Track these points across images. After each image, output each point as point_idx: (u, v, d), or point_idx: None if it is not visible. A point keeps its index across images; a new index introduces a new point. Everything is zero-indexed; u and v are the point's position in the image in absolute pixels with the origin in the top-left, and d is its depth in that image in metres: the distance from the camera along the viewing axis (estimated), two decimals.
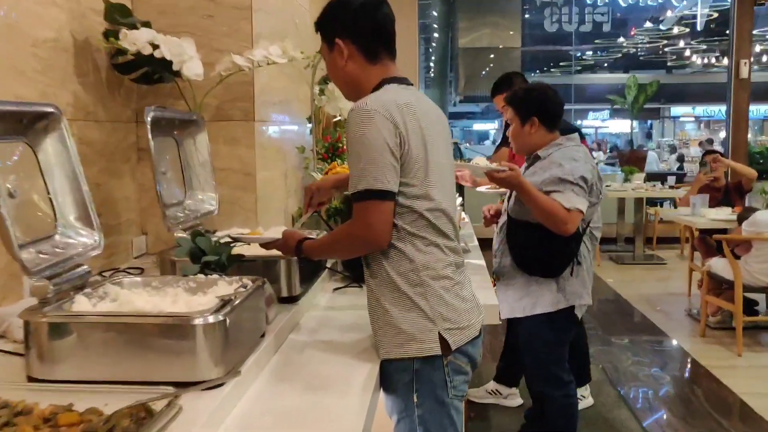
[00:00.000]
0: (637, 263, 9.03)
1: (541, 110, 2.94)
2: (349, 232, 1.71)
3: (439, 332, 1.68)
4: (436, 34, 15.49)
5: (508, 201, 3.03)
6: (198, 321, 1.36)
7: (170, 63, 2.40)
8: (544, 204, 2.74)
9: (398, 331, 1.68)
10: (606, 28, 17.43)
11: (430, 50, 15.98)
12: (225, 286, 1.65)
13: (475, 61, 12.19)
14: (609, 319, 6.29)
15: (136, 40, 2.30)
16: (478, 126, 24.22)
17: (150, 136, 2.04)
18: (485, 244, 3.40)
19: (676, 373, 4.97)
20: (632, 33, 19.12)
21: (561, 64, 20.33)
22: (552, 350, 3.02)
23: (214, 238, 1.94)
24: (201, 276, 1.74)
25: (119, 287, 1.67)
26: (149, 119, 2.05)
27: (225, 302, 1.46)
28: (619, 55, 20.58)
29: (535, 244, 2.89)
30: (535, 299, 2.93)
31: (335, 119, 3.96)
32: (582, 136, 3.42)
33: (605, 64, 21.44)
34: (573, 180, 2.75)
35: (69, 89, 2.34)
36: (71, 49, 2.35)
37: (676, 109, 25.28)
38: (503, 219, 3.06)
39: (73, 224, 1.72)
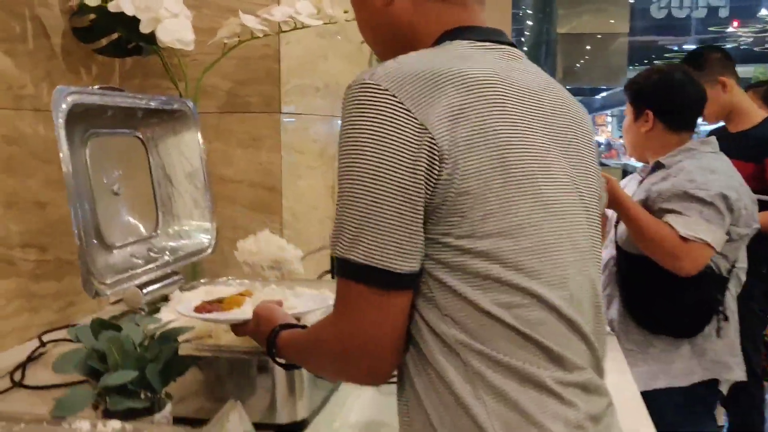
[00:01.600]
0: None
1: (660, 102, 2.04)
2: (322, 338, 0.91)
3: None
4: (529, 22, 14.35)
5: (616, 227, 2.09)
6: None
7: (137, 22, 1.55)
8: (647, 227, 1.88)
9: None
10: (723, 13, 15.73)
11: (523, 39, 14.88)
12: None
13: (574, 48, 11.04)
14: None
15: None
16: None
17: (61, 134, 1.18)
18: None
19: None
20: (735, 25, 17.29)
21: (666, 55, 18.69)
22: None
23: (153, 324, 1.06)
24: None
25: None
26: (62, 108, 1.20)
27: None
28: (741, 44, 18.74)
29: (657, 290, 1.94)
30: (659, 367, 1.93)
31: None
32: None
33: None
34: (706, 198, 1.85)
35: None
36: None
37: None
38: (609, 252, 2.09)
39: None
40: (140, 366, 0.94)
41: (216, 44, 1.79)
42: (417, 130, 0.78)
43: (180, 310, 1.12)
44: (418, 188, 0.79)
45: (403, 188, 0.78)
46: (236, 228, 2.01)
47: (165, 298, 1.47)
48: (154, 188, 1.57)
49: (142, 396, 0.97)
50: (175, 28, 1.58)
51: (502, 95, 0.84)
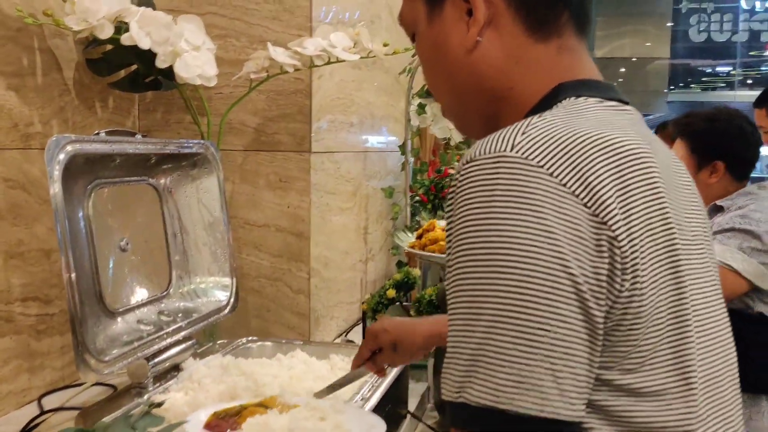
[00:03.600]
0: None
1: (732, 151, 1.92)
2: None
3: None
4: None
5: None
6: None
7: (154, 55, 1.39)
8: None
9: None
10: (765, 37, 15.33)
11: None
12: None
13: (612, 72, 10.81)
14: None
15: (86, 13, 1.29)
16: None
17: (56, 188, 1.01)
18: None
19: None
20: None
21: (703, 79, 18.27)
22: None
23: (153, 427, 0.88)
24: None
25: None
26: (59, 159, 1.03)
27: None
28: None
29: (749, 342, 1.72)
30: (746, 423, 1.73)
31: (444, 142, 2.88)
32: None
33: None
34: (753, 230, 1.76)
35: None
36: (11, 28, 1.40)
37: None
38: None
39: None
40: None
41: (243, 78, 1.63)
42: (591, 222, 0.57)
43: (188, 430, 0.92)
44: (600, 303, 0.57)
45: (586, 303, 0.56)
46: (260, 277, 1.84)
47: (176, 368, 1.30)
48: (167, 242, 1.40)
49: None
50: (196, 63, 1.42)
51: (657, 175, 0.63)
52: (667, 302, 0.61)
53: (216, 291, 1.48)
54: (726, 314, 0.74)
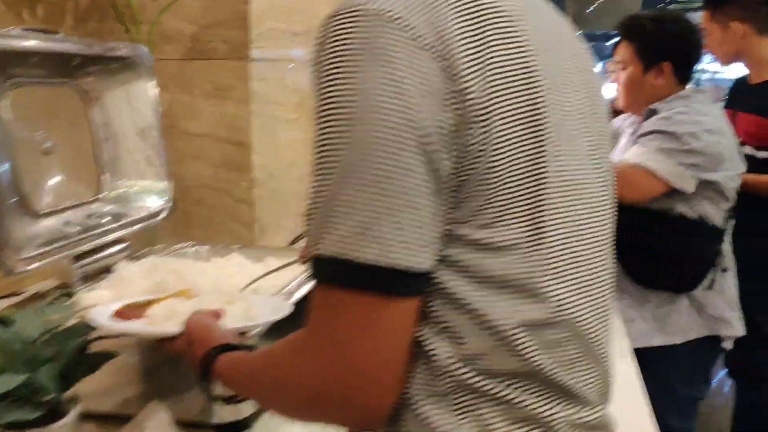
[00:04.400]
0: None
1: (678, 52, 1.90)
2: (290, 368, 0.65)
3: None
4: None
5: None
6: None
7: None
8: None
9: None
10: None
11: None
12: None
13: None
14: None
15: None
16: None
17: None
18: None
19: None
20: None
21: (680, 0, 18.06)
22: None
23: (59, 314, 0.89)
24: None
25: None
26: None
27: None
28: None
29: (651, 243, 1.81)
30: (655, 324, 1.78)
31: None
32: None
33: None
34: (674, 131, 1.73)
35: None
36: None
37: None
38: None
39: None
40: (33, 368, 0.78)
41: None
42: (443, 76, 0.57)
43: (93, 317, 0.92)
44: (447, 155, 0.58)
45: (432, 155, 0.57)
46: (203, 187, 1.84)
47: (107, 270, 1.31)
48: (96, 146, 1.39)
49: (42, 400, 0.81)
50: None
51: (526, 36, 0.63)
52: (524, 161, 0.61)
53: (151, 196, 1.48)
54: (607, 199, 0.74)
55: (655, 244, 1.78)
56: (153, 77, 1.50)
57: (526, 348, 0.62)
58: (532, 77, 0.61)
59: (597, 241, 0.70)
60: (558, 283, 0.64)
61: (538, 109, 0.61)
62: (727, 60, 2.45)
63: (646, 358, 1.79)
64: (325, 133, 0.58)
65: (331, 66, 0.58)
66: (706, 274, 1.80)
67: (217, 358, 0.77)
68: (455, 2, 0.59)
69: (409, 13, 0.57)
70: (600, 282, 0.70)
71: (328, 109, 0.58)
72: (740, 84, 2.56)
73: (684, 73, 1.89)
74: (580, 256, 0.66)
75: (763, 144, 2.32)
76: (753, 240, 2.36)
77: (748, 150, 2.36)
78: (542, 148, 0.62)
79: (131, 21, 1.65)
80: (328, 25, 0.60)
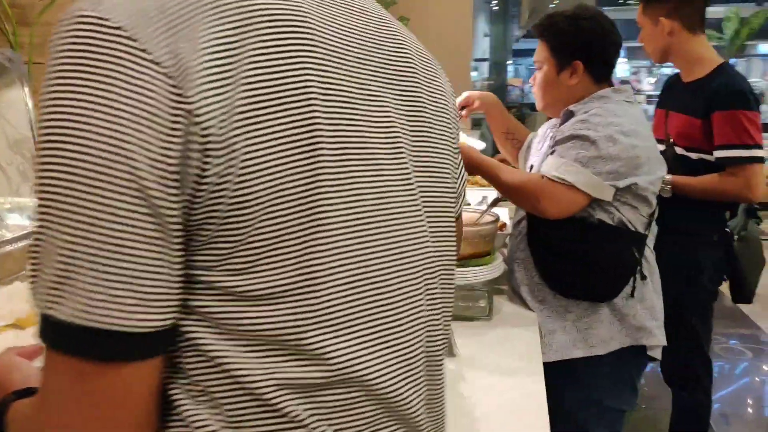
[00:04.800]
0: None
1: (592, 51, 1.78)
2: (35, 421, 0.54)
3: None
4: None
5: None
6: None
7: None
8: (508, 177, 1.72)
9: None
10: None
11: None
12: None
13: None
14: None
15: None
16: None
17: None
18: None
19: None
20: None
21: None
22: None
23: None
24: None
25: None
26: None
27: None
28: None
29: (569, 250, 1.72)
30: (577, 336, 1.73)
31: None
32: None
33: None
34: (590, 137, 1.62)
35: None
36: None
37: (765, 47, 22.98)
38: (521, 212, 1.87)
39: None
40: None
41: None
42: (170, 96, 0.47)
43: None
44: (171, 192, 0.48)
45: (147, 192, 0.47)
46: None
47: None
48: None
49: None
50: None
51: (306, 45, 0.54)
52: (289, 194, 0.51)
53: (25, 214, 1.36)
54: (424, 233, 0.63)
55: (573, 253, 1.71)
56: (27, 85, 1.38)
57: (295, 412, 0.53)
58: (305, 95, 0.52)
59: (405, 283, 0.60)
60: (337, 338, 0.54)
61: (311, 132, 0.52)
62: (657, 57, 2.39)
63: (569, 370, 1.73)
64: (40, 157, 0.48)
65: (50, 82, 0.48)
66: (627, 282, 1.72)
67: (10, 406, 0.66)
68: (208, 7, 0.50)
69: (136, 22, 0.48)
70: (411, 330, 0.60)
71: (43, 128, 0.48)
72: (672, 83, 2.50)
73: (599, 72, 1.79)
74: (374, 304, 0.56)
75: (694, 145, 2.26)
76: (681, 241, 2.32)
77: (680, 151, 2.31)
78: (316, 179, 0.52)
79: (21, 23, 1.53)
80: (54, 34, 0.50)
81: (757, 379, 4.01)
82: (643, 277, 1.73)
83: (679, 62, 2.37)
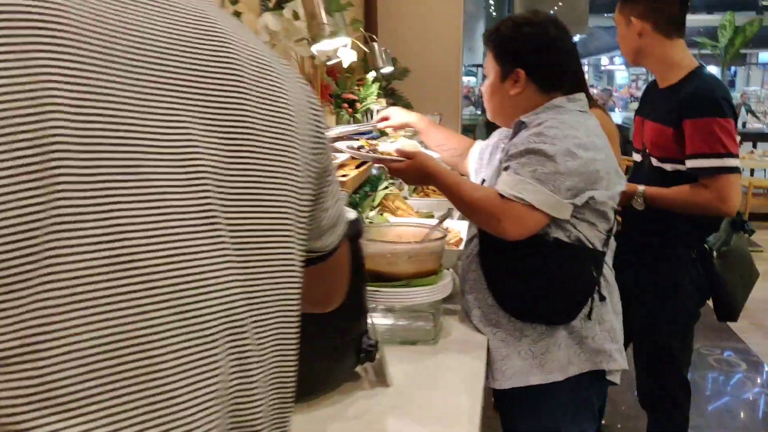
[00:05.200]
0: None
1: (535, 59, 1.65)
2: None
3: None
4: None
5: None
6: None
7: None
8: (465, 193, 1.58)
9: None
10: None
11: None
12: None
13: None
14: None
15: None
16: None
17: None
18: None
19: None
20: None
21: None
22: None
23: None
24: None
25: None
26: None
27: None
28: None
29: (523, 270, 1.59)
30: (533, 361, 1.60)
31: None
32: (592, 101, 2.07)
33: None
34: (548, 152, 1.49)
35: None
36: None
37: (766, 55, 23.01)
38: (473, 229, 1.73)
39: None
40: None
41: None
42: None
43: None
44: None
45: None
46: None
47: None
48: None
49: None
50: None
51: (57, 49, 0.42)
52: (13, 233, 0.39)
53: None
54: (226, 281, 0.50)
55: (528, 273, 1.57)
56: None
57: None
58: (41, 108, 0.41)
59: (189, 344, 0.47)
60: (68, 420, 0.41)
61: (47, 155, 0.40)
62: (630, 58, 2.25)
63: (524, 397, 1.60)
64: None
65: None
66: (585, 302, 1.58)
67: None
68: None
69: None
70: (197, 408, 0.48)
71: None
72: (650, 89, 2.38)
73: (546, 81, 1.65)
74: (136, 374, 0.44)
75: (667, 155, 2.14)
76: (657, 258, 2.20)
77: (655, 162, 2.19)
78: (52, 214, 0.41)
79: None
80: None
81: (745, 396, 3.88)
82: (602, 298, 1.60)
83: (652, 66, 2.25)
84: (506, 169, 1.55)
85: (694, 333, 2.32)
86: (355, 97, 3.92)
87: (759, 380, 4.10)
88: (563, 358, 1.58)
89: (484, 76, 1.77)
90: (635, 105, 14.01)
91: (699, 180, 2.06)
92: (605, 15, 17.88)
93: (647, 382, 2.35)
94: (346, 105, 3.84)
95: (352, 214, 1.09)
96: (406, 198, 2.47)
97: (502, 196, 1.50)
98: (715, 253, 2.22)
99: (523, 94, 1.65)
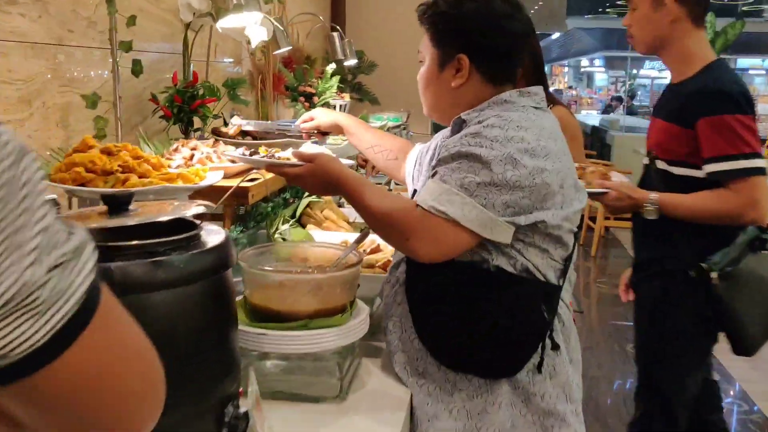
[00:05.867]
0: None
1: (480, 42, 1.33)
2: None
3: None
4: None
5: None
6: None
7: None
8: (372, 203, 1.25)
9: None
10: None
11: None
12: None
13: None
14: None
15: None
16: None
17: None
18: None
19: None
20: None
21: (618, 2, 18.04)
22: None
23: None
24: None
25: None
26: None
27: None
28: None
29: (457, 309, 1.25)
30: (467, 421, 1.26)
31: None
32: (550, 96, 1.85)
33: None
34: (483, 157, 1.20)
35: None
36: None
37: (744, 61, 23.04)
38: (399, 255, 1.39)
39: None
40: None
41: None
42: None
43: None
44: None
45: None
46: None
47: None
48: None
49: None
50: None
51: None
52: None
53: None
54: None
55: (462, 310, 1.24)
56: None
57: None
58: None
59: None
60: None
61: None
62: (646, 47, 1.94)
63: None
64: None
65: None
66: (534, 350, 1.25)
67: None
68: None
69: None
70: None
71: None
72: (667, 87, 2.08)
73: (494, 69, 1.34)
74: None
75: (675, 158, 1.85)
76: (650, 278, 1.93)
77: (662, 165, 1.89)
78: None
79: None
80: None
81: None
82: (555, 346, 1.28)
83: (670, 58, 1.94)
84: (434, 175, 1.24)
85: None
86: (313, 91, 3.60)
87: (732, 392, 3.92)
88: (505, 420, 1.25)
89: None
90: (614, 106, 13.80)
91: (725, 185, 1.76)
92: (585, 17, 17.75)
93: (643, 419, 2.08)
94: (302, 99, 3.53)
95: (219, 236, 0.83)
96: (341, 206, 2.14)
97: (421, 207, 1.18)
98: (714, 274, 1.87)
99: (466, 85, 1.32)
